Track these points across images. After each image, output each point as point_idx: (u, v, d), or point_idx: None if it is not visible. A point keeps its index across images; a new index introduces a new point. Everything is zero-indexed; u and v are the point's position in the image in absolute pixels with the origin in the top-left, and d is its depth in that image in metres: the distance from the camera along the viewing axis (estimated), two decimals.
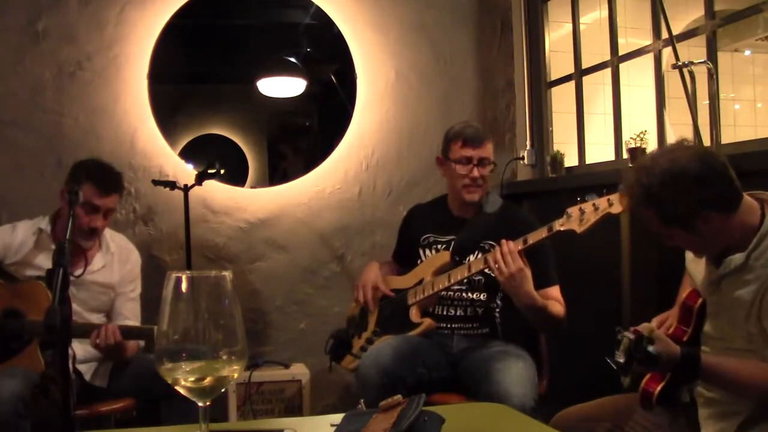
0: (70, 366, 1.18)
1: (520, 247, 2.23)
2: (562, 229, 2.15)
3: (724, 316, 1.71)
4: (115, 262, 2.67)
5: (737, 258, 1.62)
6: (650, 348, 1.55)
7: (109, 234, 2.70)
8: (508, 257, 2.21)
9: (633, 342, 1.55)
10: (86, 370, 2.55)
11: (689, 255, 1.87)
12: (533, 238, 2.23)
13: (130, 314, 2.67)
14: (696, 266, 1.83)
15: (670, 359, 1.59)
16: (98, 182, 2.50)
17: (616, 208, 2.02)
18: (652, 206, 1.64)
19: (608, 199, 2.05)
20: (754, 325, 1.61)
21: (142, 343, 2.62)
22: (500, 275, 2.22)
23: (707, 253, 1.73)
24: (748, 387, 1.61)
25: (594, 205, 2.08)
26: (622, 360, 1.57)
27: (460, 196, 2.55)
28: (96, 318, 2.61)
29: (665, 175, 1.60)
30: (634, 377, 1.59)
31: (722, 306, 1.71)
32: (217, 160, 3.11)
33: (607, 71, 3.29)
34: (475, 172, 2.50)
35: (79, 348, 2.49)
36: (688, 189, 1.58)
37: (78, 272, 2.38)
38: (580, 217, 2.10)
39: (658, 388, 1.74)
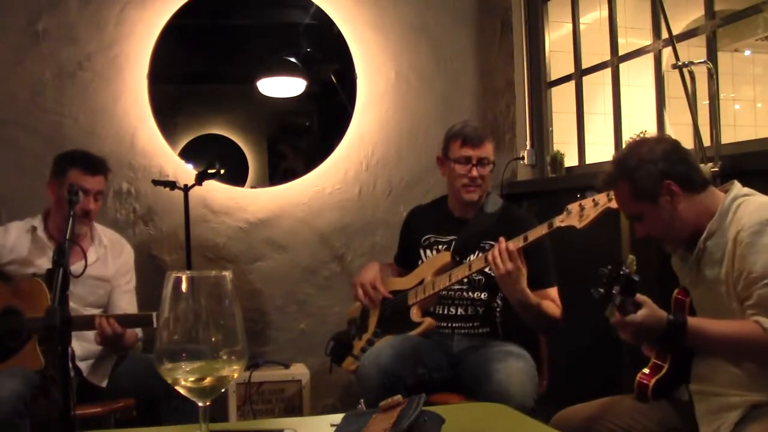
0: (70, 364, 1.18)
1: (520, 245, 2.23)
2: (562, 225, 2.15)
3: (709, 307, 1.74)
4: (108, 254, 2.69)
5: (702, 240, 1.72)
6: (632, 275, 1.57)
7: (100, 228, 2.73)
8: (505, 255, 2.22)
9: (613, 269, 1.58)
10: (85, 368, 2.54)
11: (674, 257, 1.90)
12: (533, 234, 2.23)
13: (127, 306, 2.67)
14: (681, 267, 1.86)
15: (656, 325, 1.60)
16: (83, 165, 2.57)
17: (616, 203, 2.02)
18: (624, 178, 1.79)
19: (608, 194, 2.05)
20: (735, 299, 1.65)
21: (140, 334, 2.63)
22: (497, 271, 2.23)
23: (675, 239, 1.79)
24: (733, 344, 1.63)
25: (594, 200, 2.08)
26: (603, 290, 1.59)
27: (460, 196, 2.55)
28: (92, 312, 2.61)
29: (635, 151, 1.79)
30: (621, 307, 1.59)
31: (704, 297, 1.76)
32: (217, 160, 3.11)
33: (607, 71, 3.29)
34: (474, 172, 2.50)
35: (77, 345, 2.49)
36: (655, 161, 1.74)
37: (79, 271, 2.38)
38: (579, 213, 2.11)
39: (653, 380, 1.76)
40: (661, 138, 1.90)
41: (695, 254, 1.74)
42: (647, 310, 1.59)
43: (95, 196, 2.59)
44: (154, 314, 2.39)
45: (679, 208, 1.73)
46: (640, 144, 1.82)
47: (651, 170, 1.73)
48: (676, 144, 1.80)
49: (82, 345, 2.51)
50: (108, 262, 2.68)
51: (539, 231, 2.22)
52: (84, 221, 2.57)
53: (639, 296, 1.60)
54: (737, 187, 1.75)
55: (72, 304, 2.45)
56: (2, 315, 2.41)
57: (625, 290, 1.57)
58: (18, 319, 2.40)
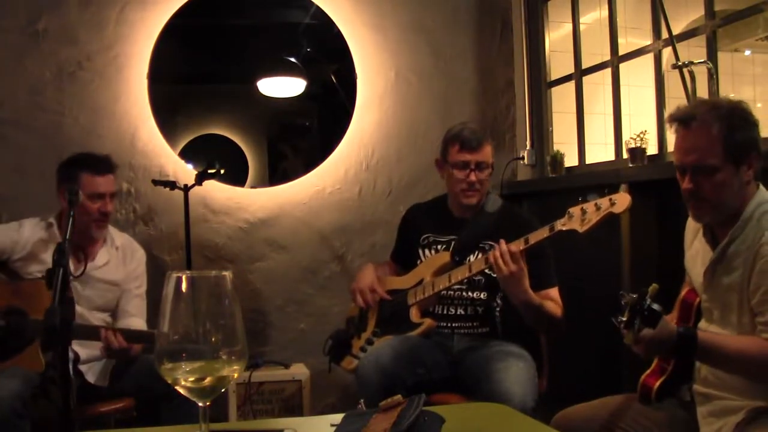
0: (71, 367, 1.18)
1: (521, 247, 2.22)
2: (563, 228, 2.15)
3: (716, 311, 1.73)
4: (120, 258, 2.68)
5: (723, 245, 1.68)
6: (653, 305, 1.55)
7: (113, 231, 2.73)
8: (507, 257, 2.21)
9: (636, 299, 1.56)
10: (86, 369, 2.54)
11: (687, 254, 1.88)
12: (535, 237, 2.22)
13: (136, 311, 2.66)
14: (693, 264, 1.84)
15: (667, 339, 1.59)
16: (92, 167, 2.55)
17: (619, 208, 2.02)
18: (725, 127, 1.64)
19: (610, 199, 2.04)
20: (747, 311, 1.63)
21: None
22: (500, 274, 2.23)
23: (721, 211, 1.70)
24: (742, 361, 1.62)
25: (596, 204, 2.07)
26: (625, 317, 1.57)
27: (459, 200, 2.55)
28: (100, 317, 2.60)
29: (742, 112, 1.67)
30: (638, 336, 1.58)
31: (715, 302, 1.74)
32: (217, 160, 3.11)
33: (607, 71, 3.29)
34: (473, 177, 2.49)
35: (82, 350, 2.48)
36: (755, 127, 1.67)
37: (78, 272, 2.38)
38: (581, 216, 2.10)
39: (658, 383, 1.75)
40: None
41: (713, 258, 1.70)
42: (660, 324, 1.57)
43: (110, 197, 2.58)
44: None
45: (743, 182, 1.66)
46: (743, 106, 1.70)
47: (749, 136, 1.65)
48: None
49: (87, 351, 2.50)
50: (119, 266, 2.66)
51: (540, 234, 2.22)
52: (102, 224, 2.57)
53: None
54: (762, 192, 1.70)
55: (78, 308, 2.45)
56: (7, 315, 2.40)
57: (648, 322, 1.55)
58: (23, 320, 2.39)
